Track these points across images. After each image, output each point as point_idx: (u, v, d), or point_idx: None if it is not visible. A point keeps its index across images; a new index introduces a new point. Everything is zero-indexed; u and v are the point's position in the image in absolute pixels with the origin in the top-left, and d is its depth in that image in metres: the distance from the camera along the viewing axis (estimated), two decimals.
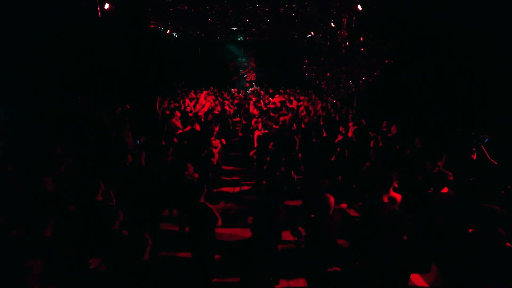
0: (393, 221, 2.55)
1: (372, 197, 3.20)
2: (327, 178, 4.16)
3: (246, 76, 18.50)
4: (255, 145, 6.05)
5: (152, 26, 12.09)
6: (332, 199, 2.99)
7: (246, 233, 4.70)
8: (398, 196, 3.27)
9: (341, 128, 5.92)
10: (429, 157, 4.45)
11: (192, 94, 12.42)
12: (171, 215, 5.28)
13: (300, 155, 5.15)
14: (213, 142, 5.72)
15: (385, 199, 3.11)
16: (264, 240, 3.29)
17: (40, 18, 6.60)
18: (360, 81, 4.85)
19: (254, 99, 11.13)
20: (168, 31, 13.57)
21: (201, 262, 3.67)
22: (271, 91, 13.87)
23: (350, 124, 6.75)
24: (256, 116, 8.19)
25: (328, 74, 4.98)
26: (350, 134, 6.15)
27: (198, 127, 6.78)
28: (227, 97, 12.33)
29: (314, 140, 5.15)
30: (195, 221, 3.46)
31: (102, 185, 3.43)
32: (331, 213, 3.02)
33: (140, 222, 3.87)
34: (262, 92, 13.89)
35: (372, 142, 5.25)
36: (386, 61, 4.64)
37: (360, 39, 4.47)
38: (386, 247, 2.52)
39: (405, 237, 2.51)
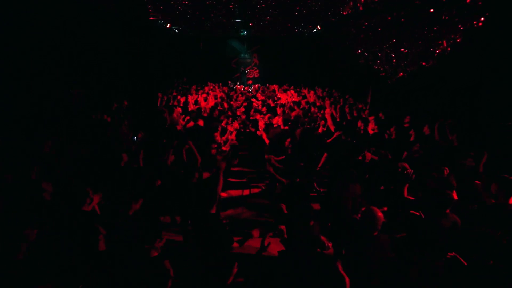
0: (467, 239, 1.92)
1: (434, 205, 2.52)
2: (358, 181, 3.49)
3: (248, 72, 17.85)
4: (266, 142, 5.39)
5: (151, 19, 11.49)
6: (380, 214, 2.29)
7: (259, 243, 4.12)
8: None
9: (369, 126, 5.18)
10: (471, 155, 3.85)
11: (192, 91, 11.82)
12: (174, 222, 4.65)
13: (325, 154, 4.43)
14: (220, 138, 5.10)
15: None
16: (295, 264, 2.65)
17: (33, 9, 6.01)
18: (438, 51, 3.72)
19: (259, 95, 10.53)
20: (168, 25, 12.96)
21: (210, 278, 3.07)
22: (271, 88, 13.20)
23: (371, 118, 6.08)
24: (264, 113, 7.58)
25: (385, 47, 3.85)
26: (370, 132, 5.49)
27: (202, 124, 6.19)
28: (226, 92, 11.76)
29: (344, 138, 4.43)
30: (204, 236, 2.83)
31: (90, 193, 2.78)
32: (376, 233, 2.32)
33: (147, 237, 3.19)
34: (275, 87, 13.12)
35: (410, 138, 4.53)
36: (483, 18, 3.33)
37: None
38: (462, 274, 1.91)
39: (491, 262, 1.89)
